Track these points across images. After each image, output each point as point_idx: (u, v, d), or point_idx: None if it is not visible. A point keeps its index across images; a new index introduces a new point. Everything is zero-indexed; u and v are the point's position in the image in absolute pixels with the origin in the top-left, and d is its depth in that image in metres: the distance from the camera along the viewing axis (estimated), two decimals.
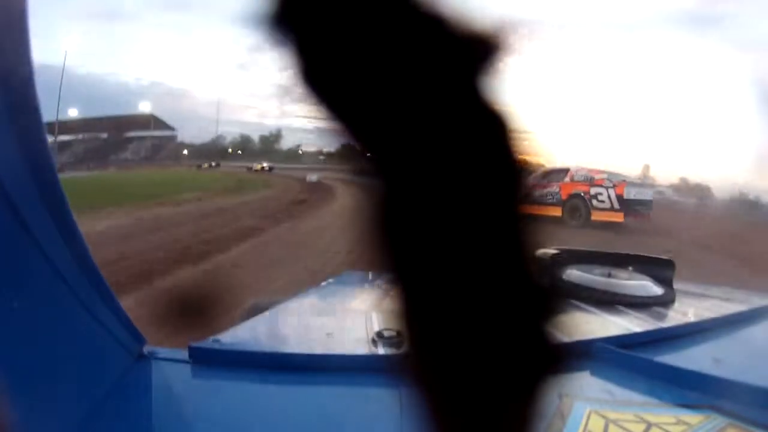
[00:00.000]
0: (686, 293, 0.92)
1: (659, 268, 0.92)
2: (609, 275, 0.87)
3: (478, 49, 0.14)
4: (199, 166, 32.41)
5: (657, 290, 0.85)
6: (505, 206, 0.15)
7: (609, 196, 7.32)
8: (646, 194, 7.69)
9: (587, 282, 0.84)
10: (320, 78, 0.14)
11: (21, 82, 0.37)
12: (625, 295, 0.81)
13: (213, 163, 34.22)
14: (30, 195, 0.38)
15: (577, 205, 7.51)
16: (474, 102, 0.14)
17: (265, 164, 30.17)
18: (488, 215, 0.15)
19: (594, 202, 7.39)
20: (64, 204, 0.42)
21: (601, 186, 7.43)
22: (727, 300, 0.91)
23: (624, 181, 7.59)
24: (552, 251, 0.84)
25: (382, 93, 0.14)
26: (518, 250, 0.15)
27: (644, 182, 8.61)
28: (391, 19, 0.13)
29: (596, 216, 7.27)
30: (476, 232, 0.15)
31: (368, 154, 0.14)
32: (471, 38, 0.14)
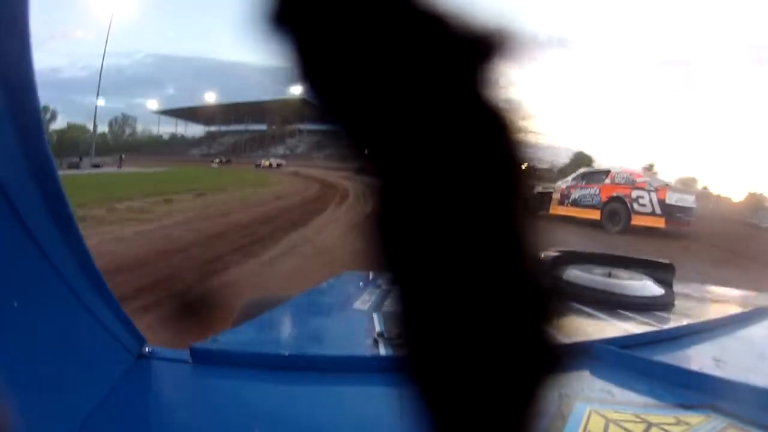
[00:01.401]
0: (686, 294, 0.92)
1: (659, 270, 0.92)
2: (609, 276, 0.87)
3: (479, 49, 0.14)
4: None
5: (657, 291, 0.85)
6: (506, 207, 0.15)
7: (651, 200, 7.06)
8: (688, 201, 7.38)
9: (588, 283, 0.84)
10: (320, 78, 0.14)
11: (21, 82, 0.37)
12: (625, 296, 0.81)
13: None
14: (30, 195, 0.38)
15: (617, 209, 7.23)
16: (475, 102, 0.14)
17: (272, 161, 30.02)
18: (489, 216, 0.15)
19: (635, 206, 7.11)
20: (64, 204, 0.42)
21: (643, 189, 7.16)
22: (727, 300, 0.92)
23: (666, 185, 7.35)
24: (553, 253, 0.84)
25: (386, 94, 0.14)
26: (519, 252, 0.15)
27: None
28: (391, 20, 0.13)
29: (637, 220, 7.01)
30: (477, 234, 0.15)
31: (370, 155, 0.14)
32: (471, 38, 0.14)
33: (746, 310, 0.82)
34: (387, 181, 0.14)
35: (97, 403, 0.41)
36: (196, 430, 0.42)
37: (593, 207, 7.41)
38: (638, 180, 7.42)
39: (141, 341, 0.52)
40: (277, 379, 0.51)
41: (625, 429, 0.41)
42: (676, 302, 0.84)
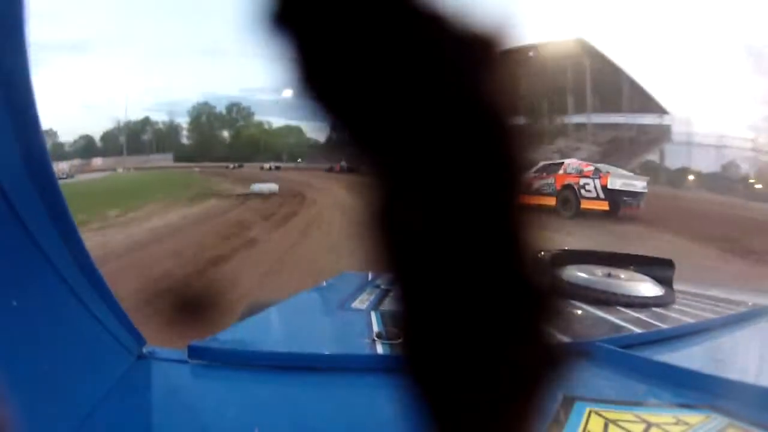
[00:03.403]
0: (686, 293, 0.92)
1: (659, 269, 0.92)
2: (609, 275, 0.87)
3: (476, 48, 0.14)
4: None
5: (657, 290, 0.85)
6: (505, 206, 0.15)
7: (595, 186, 7.94)
8: (636, 186, 8.14)
9: (587, 282, 0.84)
10: (319, 77, 0.14)
11: (20, 82, 0.37)
12: (625, 296, 0.81)
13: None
14: (30, 195, 0.38)
15: (568, 196, 8.17)
16: (473, 101, 0.14)
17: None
18: (488, 215, 0.15)
19: (582, 192, 8.02)
20: (64, 204, 0.42)
21: (588, 177, 8.06)
22: (727, 300, 0.91)
23: (608, 172, 8.16)
24: (552, 251, 0.84)
25: (379, 92, 0.14)
26: (518, 250, 0.15)
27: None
28: (389, 19, 0.13)
29: (585, 205, 7.94)
30: (476, 232, 0.15)
31: (365, 152, 0.14)
32: (469, 37, 0.14)
33: (746, 310, 0.82)
34: (385, 180, 0.14)
35: (97, 403, 0.41)
36: (196, 430, 0.42)
37: (550, 195, 8.32)
38: (585, 169, 8.33)
39: (141, 341, 0.52)
40: (277, 378, 0.51)
41: (625, 429, 0.41)
42: (677, 301, 0.84)
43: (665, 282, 0.89)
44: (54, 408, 0.36)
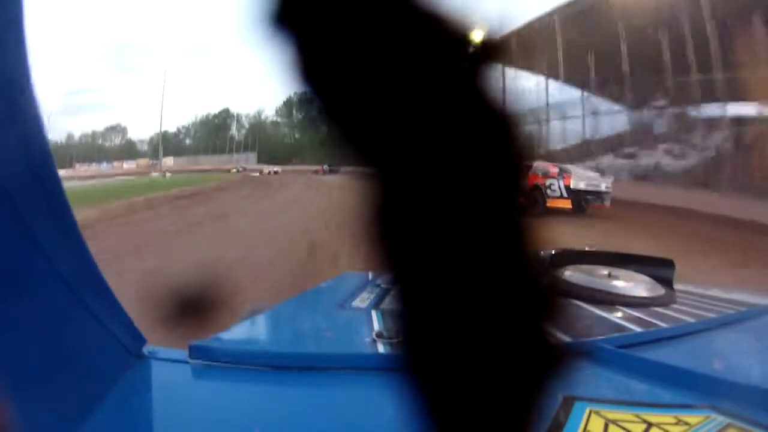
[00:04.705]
0: (686, 293, 0.92)
1: (659, 268, 0.92)
2: (609, 275, 0.87)
3: (474, 49, 0.14)
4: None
5: (657, 290, 0.85)
6: (504, 206, 0.15)
7: (559, 186, 8.72)
8: (599, 185, 8.80)
9: (587, 282, 0.84)
10: (318, 77, 0.14)
11: (21, 83, 0.37)
12: (625, 296, 0.81)
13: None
14: (30, 195, 0.38)
15: (536, 195, 8.84)
16: (472, 101, 0.14)
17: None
18: (487, 215, 0.15)
19: (548, 191, 8.76)
20: (65, 204, 0.42)
21: (554, 178, 8.79)
22: (727, 300, 0.91)
23: (571, 173, 8.90)
24: (552, 251, 0.84)
25: (380, 92, 0.14)
26: (518, 250, 0.15)
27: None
28: (388, 19, 0.13)
29: (550, 203, 8.67)
30: (476, 232, 0.15)
31: (366, 153, 0.14)
32: (467, 38, 0.14)
33: (746, 309, 0.82)
34: (384, 180, 0.14)
35: (97, 403, 0.41)
36: (196, 430, 0.42)
37: (522, 195, 9.05)
38: (551, 170, 9.02)
39: (141, 341, 0.52)
40: (277, 378, 0.51)
41: (625, 429, 0.40)
42: (677, 301, 0.84)
43: (665, 281, 0.89)
44: (54, 408, 0.36)
